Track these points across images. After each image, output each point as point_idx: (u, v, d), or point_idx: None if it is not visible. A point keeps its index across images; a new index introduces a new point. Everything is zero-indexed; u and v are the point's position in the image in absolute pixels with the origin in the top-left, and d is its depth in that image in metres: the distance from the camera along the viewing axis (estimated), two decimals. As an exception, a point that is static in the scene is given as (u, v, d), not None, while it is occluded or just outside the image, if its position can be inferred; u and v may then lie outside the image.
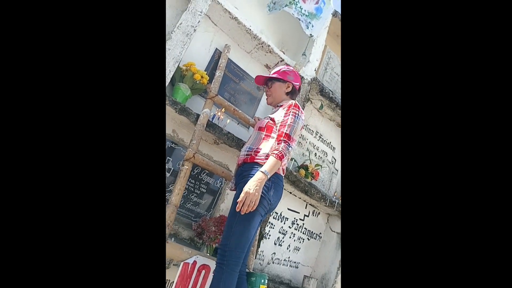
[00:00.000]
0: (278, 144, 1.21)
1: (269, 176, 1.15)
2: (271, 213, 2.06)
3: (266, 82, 1.50)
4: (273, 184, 1.19)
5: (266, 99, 1.50)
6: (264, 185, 1.15)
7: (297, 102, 1.33)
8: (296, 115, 1.27)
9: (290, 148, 1.21)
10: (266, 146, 1.25)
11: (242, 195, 1.10)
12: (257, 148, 1.27)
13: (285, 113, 1.29)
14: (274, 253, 2.12)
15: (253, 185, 1.10)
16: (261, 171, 1.14)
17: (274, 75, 1.46)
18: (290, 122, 1.24)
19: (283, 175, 1.28)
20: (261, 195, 1.13)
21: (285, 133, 1.22)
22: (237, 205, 1.10)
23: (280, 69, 1.48)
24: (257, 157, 1.23)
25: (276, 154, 1.17)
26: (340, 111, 2.37)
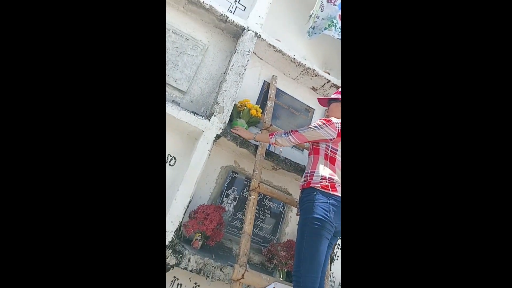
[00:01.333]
0: (284, 132, 1.45)
1: (255, 138, 1.59)
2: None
3: (327, 103, 1.60)
4: (332, 207, 1.22)
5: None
6: (324, 208, 1.21)
7: (332, 119, 1.38)
8: (318, 126, 1.37)
9: (287, 136, 1.42)
10: (319, 168, 1.32)
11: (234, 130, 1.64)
12: (311, 172, 1.34)
13: (315, 123, 1.41)
14: (344, 274, 2.08)
15: (243, 132, 1.67)
16: (253, 133, 1.61)
17: (332, 96, 1.55)
18: (307, 125, 1.42)
19: (339, 195, 1.28)
20: (322, 218, 1.20)
21: (298, 129, 1.43)
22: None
23: (338, 90, 1.57)
24: (312, 182, 1.30)
25: (271, 132, 1.48)
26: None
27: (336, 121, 1.38)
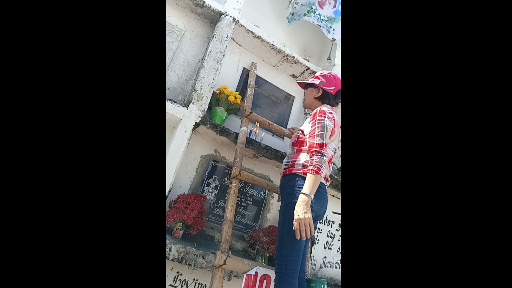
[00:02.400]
0: (311, 158, 1.22)
1: (312, 196, 1.17)
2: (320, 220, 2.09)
3: (305, 87, 1.58)
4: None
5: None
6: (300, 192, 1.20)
7: (323, 108, 1.33)
8: (322, 122, 1.28)
9: (324, 158, 1.22)
10: (302, 156, 1.32)
11: (295, 224, 1.12)
12: (292, 160, 1.35)
13: (312, 123, 1.32)
14: (325, 257, 2.15)
15: (300, 209, 1.13)
16: (303, 193, 1.16)
17: (309, 80, 1.52)
18: (318, 132, 1.26)
19: (325, 183, 1.32)
20: None
21: (316, 143, 1.24)
22: (295, 234, 1.12)
23: (316, 74, 1.52)
24: (294, 169, 1.30)
25: (312, 169, 1.19)
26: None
27: (326, 109, 1.34)
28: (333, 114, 1.35)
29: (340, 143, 1.40)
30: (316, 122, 1.30)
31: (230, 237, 1.36)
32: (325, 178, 1.33)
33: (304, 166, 1.28)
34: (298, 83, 1.61)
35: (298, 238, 1.12)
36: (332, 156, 1.37)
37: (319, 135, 1.26)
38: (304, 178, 1.25)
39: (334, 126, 1.32)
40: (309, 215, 1.13)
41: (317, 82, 1.46)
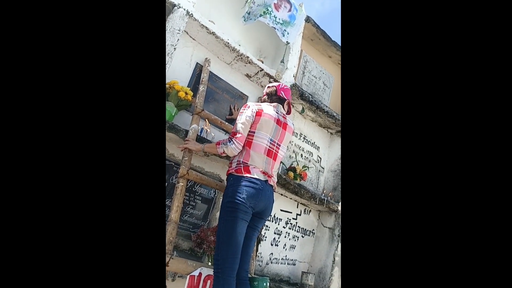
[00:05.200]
0: (227, 138, 1.39)
1: (201, 149, 1.51)
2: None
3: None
4: (245, 188, 1.25)
5: None
6: (236, 191, 1.24)
7: (248, 103, 1.44)
8: (241, 114, 1.39)
9: (232, 145, 1.33)
10: (237, 155, 1.37)
11: (183, 145, 1.56)
12: (230, 162, 1.39)
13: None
14: (272, 253, 2.22)
15: (192, 145, 1.54)
16: (202, 144, 1.52)
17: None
18: (237, 121, 1.39)
19: (262, 179, 1.31)
20: (235, 201, 1.23)
21: (232, 131, 1.40)
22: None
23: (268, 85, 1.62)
24: (230, 169, 1.36)
25: (218, 141, 1.41)
26: (320, 113, 2.49)
27: (252, 104, 1.43)
28: (260, 105, 1.43)
29: (279, 137, 1.43)
30: (239, 114, 1.42)
31: (174, 238, 1.32)
32: (264, 173, 1.33)
33: (238, 163, 1.33)
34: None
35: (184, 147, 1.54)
36: (270, 148, 1.38)
37: (236, 124, 1.40)
38: (235, 177, 1.29)
39: (257, 114, 1.38)
40: (188, 146, 1.54)
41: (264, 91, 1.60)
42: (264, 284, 1.36)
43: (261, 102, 1.55)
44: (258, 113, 1.38)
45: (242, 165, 1.32)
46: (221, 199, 2.03)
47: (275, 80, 2.20)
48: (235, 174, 1.30)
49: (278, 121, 1.43)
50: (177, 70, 1.93)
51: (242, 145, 1.36)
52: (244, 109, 1.41)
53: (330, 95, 2.88)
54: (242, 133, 1.35)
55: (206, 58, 2.06)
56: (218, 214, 2.00)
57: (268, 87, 1.57)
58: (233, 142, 1.34)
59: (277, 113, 1.45)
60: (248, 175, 1.28)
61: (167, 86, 1.74)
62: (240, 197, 1.23)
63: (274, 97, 1.53)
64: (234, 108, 2.14)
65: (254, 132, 1.37)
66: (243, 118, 1.37)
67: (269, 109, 1.43)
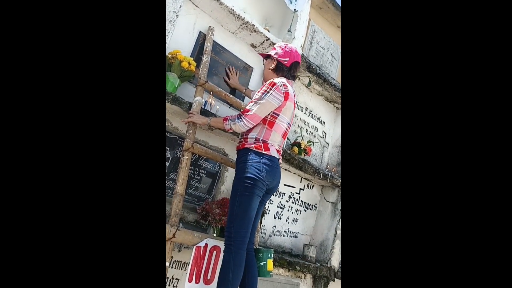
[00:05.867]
0: (236, 114, 1.33)
1: (208, 123, 1.43)
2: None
3: (265, 59, 1.54)
4: (265, 166, 1.25)
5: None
6: (256, 168, 1.23)
7: (275, 80, 1.32)
8: (266, 93, 1.29)
9: (241, 122, 1.28)
10: (255, 131, 1.31)
11: (187, 119, 1.49)
12: (245, 134, 1.33)
13: (258, 91, 1.34)
14: (275, 226, 2.26)
15: (197, 118, 1.48)
16: (208, 118, 1.46)
17: (269, 52, 1.50)
18: (255, 98, 1.31)
19: (277, 157, 1.33)
20: (254, 177, 1.22)
21: (245, 108, 1.32)
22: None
23: (274, 46, 1.50)
24: (247, 143, 1.30)
25: (225, 117, 1.35)
26: (328, 86, 2.41)
27: (279, 81, 1.31)
28: (287, 87, 1.33)
29: (292, 118, 1.41)
30: (261, 91, 1.31)
31: (180, 210, 1.33)
32: (278, 151, 1.35)
33: (256, 140, 1.28)
34: (260, 54, 1.58)
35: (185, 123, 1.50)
36: (286, 130, 1.39)
37: (252, 102, 1.31)
38: (255, 153, 1.26)
39: (285, 99, 1.31)
40: (192, 120, 1.48)
41: (272, 53, 1.45)
42: (269, 255, 1.39)
43: (275, 69, 1.42)
44: (285, 97, 1.31)
45: (261, 142, 1.29)
46: (225, 173, 2.03)
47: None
48: (255, 149, 1.27)
49: (294, 103, 1.41)
50: (180, 39, 1.84)
51: (254, 124, 1.30)
52: (271, 89, 1.30)
53: (338, 67, 2.78)
54: (258, 114, 1.28)
55: (210, 27, 1.95)
56: (222, 187, 2.02)
57: (284, 53, 1.42)
58: (242, 120, 1.29)
59: (293, 93, 1.41)
60: (267, 152, 1.28)
61: (169, 56, 1.66)
62: (260, 174, 1.23)
63: (292, 72, 1.44)
64: (231, 71, 1.98)
65: (278, 115, 1.32)
66: (270, 100, 1.28)
67: (291, 90, 1.36)
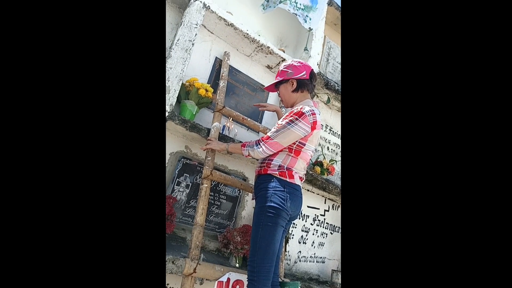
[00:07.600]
0: (255, 140, 1.29)
1: (226, 150, 1.39)
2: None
3: (275, 88, 1.47)
4: (289, 195, 1.19)
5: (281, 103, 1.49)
6: (280, 197, 1.17)
7: (304, 109, 1.22)
8: (291, 122, 1.21)
9: (259, 148, 1.24)
10: (279, 157, 1.25)
11: (205, 146, 1.48)
12: (269, 160, 1.27)
13: (284, 117, 1.26)
14: (300, 251, 2.15)
15: (216, 145, 1.45)
16: (226, 144, 1.42)
17: (276, 80, 1.43)
18: (278, 127, 1.23)
19: (300, 184, 1.27)
20: (278, 207, 1.16)
21: (266, 135, 1.26)
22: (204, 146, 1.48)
23: (279, 70, 1.43)
24: (270, 169, 1.24)
25: (244, 143, 1.32)
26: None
27: (307, 110, 1.22)
28: (315, 115, 1.24)
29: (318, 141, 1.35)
30: (286, 119, 1.23)
31: (200, 242, 1.28)
32: (300, 178, 1.28)
33: (280, 167, 1.22)
34: (265, 88, 1.50)
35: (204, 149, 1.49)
36: (311, 156, 1.33)
37: (274, 130, 1.25)
38: (279, 180, 1.20)
39: (313, 129, 1.23)
40: (212, 147, 1.47)
41: (287, 75, 1.38)
42: (296, 289, 1.30)
43: (296, 89, 1.35)
44: (313, 126, 1.23)
45: (286, 169, 1.23)
46: (246, 198, 1.98)
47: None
48: (279, 177, 1.21)
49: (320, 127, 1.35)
50: (196, 66, 1.87)
51: (273, 151, 1.24)
52: (297, 119, 1.21)
53: (357, 82, 2.70)
54: (280, 142, 1.21)
55: (225, 52, 1.97)
56: (243, 212, 1.96)
57: (297, 69, 1.36)
58: (261, 146, 1.24)
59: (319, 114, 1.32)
60: (292, 181, 1.22)
61: (187, 84, 1.69)
62: (284, 204, 1.17)
63: (314, 82, 1.40)
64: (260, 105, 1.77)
65: (304, 144, 1.25)
66: (295, 130, 1.20)
67: (319, 117, 1.28)
